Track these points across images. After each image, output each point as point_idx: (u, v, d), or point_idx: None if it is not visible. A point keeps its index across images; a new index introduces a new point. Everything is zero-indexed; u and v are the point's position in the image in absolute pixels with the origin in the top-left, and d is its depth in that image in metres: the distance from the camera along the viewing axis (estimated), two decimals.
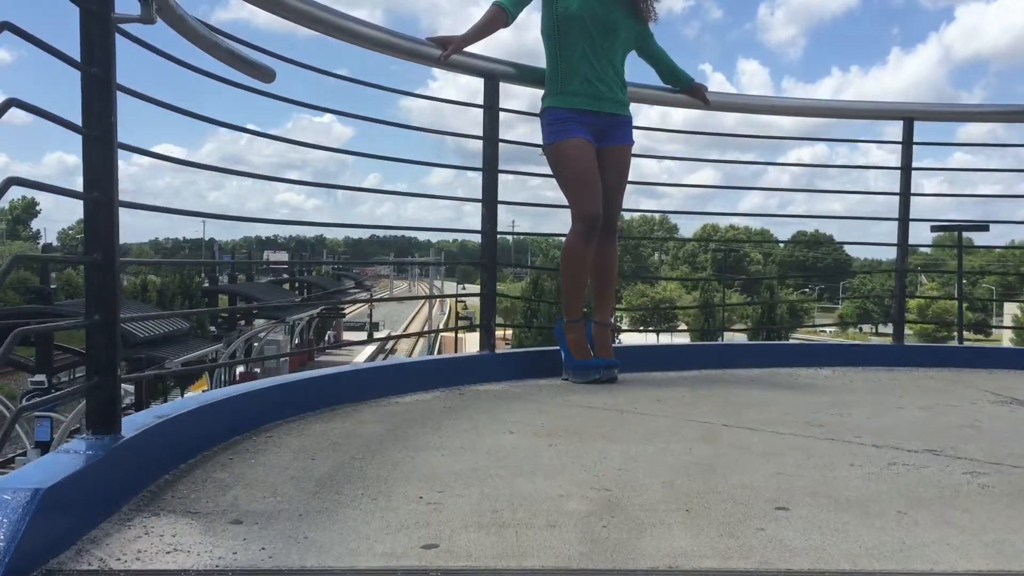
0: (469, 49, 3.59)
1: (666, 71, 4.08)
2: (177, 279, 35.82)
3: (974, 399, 3.51)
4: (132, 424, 1.97)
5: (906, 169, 4.48)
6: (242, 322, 35.78)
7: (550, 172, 3.76)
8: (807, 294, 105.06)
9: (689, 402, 3.26)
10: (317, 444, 2.44)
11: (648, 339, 72.01)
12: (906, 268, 4.49)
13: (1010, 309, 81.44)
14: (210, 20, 2.39)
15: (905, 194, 4.48)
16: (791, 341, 4.54)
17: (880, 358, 4.45)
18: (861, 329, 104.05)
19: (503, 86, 3.73)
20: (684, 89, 4.12)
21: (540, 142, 3.80)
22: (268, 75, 2.56)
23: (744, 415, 3.02)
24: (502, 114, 3.72)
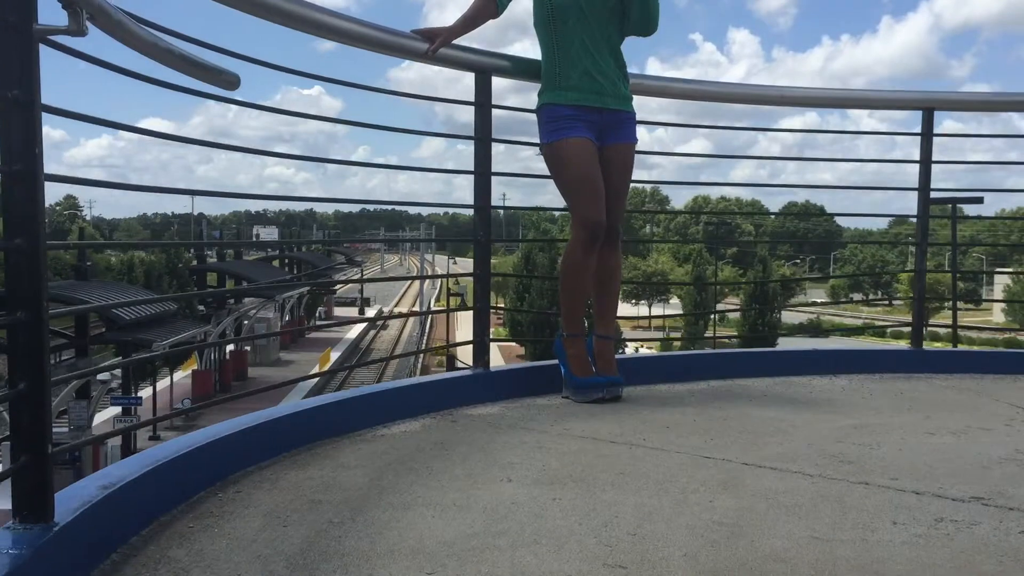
0: (458, 41, 3.28)
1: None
2: (164, 259, 35.40)
3: (1008, 418, 3.25)
4: (70, 503, 1.69)
5: (926, 163, 4.19)
6: (231, 300, 35.38)
7: (549, 173, 3.47)
8: (799, 265, 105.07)
9: (702, 429, 2.99)
10: (291, 502, 2.16)
11: (640, 310, 71.79)
12: (926, 268, 4.22)
13: (1001, 280, 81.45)
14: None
15: (924, 189, 4.20)
16: (800, 348, 4.22)
17: (897, 364, 4.18)
18: (852, 299, 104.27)
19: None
20: None
21: (536, 136, 3.51)
22: (231, 82, 2.25)
23: (764, 447, 2.75)
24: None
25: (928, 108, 4.17)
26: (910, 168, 4.18)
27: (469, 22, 3.32)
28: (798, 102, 4.16)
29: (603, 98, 3.41)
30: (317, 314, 59.05)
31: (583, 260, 3.38)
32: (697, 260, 62.80)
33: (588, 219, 3.34)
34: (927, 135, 4.19)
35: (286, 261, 49.02)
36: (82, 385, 21.05)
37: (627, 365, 3.77)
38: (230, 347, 37.12)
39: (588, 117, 3.40)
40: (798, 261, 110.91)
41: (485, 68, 3.38)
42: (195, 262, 38.15)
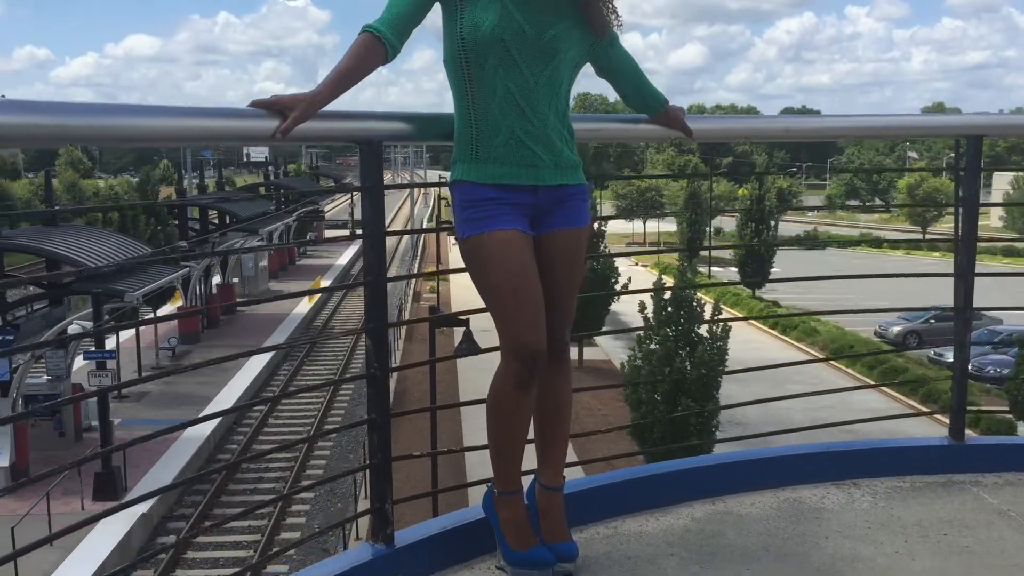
0: (333, 104, 2.30)
1: (631, 91, 2.76)
2: (140, 197, 34.17)
3: None
4: None
5: (971, 200, 3.24)
6: (215, 235, 34.30)
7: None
8: (795, 175, 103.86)
9: None
10: None
11: (635, 226, 70.62)
12: (970, 340, 3.30)
13: (1000, 184, 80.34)
14: None
15: (969, 240, 3.25)
16: (810, 449, 3.25)
17: (932, 463, 3.29)
18: (848, 210, 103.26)
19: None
20: (656, 116, 2.82)
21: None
22: None
23: None
24: None
25: (976, 136, 3.21)
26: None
27: (344, 78, 2.32)
28: (829, 134, 3.25)
29: (538, 172, 2.44)
30: (308, 238, 57.92)
31: (517, 397, 2.45)
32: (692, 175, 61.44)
33: (521, 346, 2.40)
34: (973, 169, 3.23)
35: (271, 190, 47.73)
36: (59, 335, 20.27)
37: (591, 495, 2.91)
38: (216, 281, 36.16)
39: (518, 199, 2.43)
40: (795, 169, 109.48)
41: (372, 137, 2.41)
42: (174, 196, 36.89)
